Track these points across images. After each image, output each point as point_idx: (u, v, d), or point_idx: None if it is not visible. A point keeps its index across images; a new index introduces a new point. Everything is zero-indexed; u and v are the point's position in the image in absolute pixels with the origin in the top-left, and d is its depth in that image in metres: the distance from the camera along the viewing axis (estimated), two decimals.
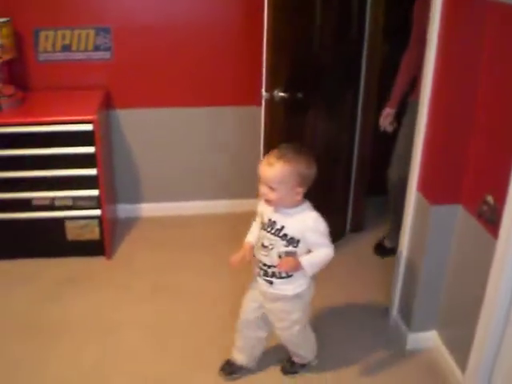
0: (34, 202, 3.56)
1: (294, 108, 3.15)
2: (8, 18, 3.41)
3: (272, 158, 2.31)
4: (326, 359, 2.87)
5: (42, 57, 3.73)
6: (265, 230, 2.44)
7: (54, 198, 3.56)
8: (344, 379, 2.78)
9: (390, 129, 3.40)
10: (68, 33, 3.68)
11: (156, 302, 3.33)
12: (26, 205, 3.55)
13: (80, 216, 3.61)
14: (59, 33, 3.67)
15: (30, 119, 3.38)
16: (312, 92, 3.22)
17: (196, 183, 4.25)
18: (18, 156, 3.41)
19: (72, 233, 3.65)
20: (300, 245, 2.39)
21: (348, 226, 4.04)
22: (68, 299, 3.34)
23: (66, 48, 3.72)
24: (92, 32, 3.70)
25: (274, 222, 2.41)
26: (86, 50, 3.75)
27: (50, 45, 3.70)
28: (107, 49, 3.75)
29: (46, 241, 3.67)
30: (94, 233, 3.66)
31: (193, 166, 4.18)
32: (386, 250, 3.78)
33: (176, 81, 3.90)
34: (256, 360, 2.79)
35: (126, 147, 4.05)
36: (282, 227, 2.39)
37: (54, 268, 3.61)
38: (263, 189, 2.33)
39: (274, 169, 2.28)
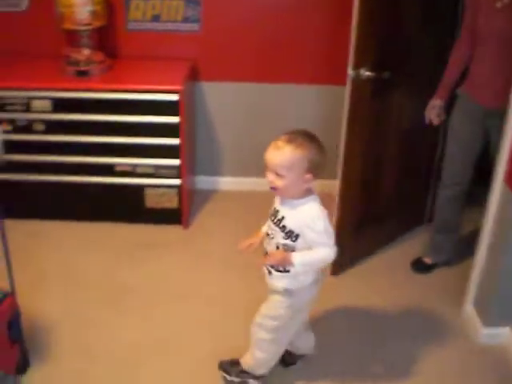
0: (117, 168, 3.64)
1: (379, 88, 3.07)
2: None
3: (281, 141, 2.15)
4: (397, 350, 2.85)
5: (132, 25, 3.79)
6: (270, 217, 2.33)
7: (135, 165, 3.63)
8: (414, 371, 2.74)
9: (436, 121, 3.15)
10: (158, 3, 3.71)
11: (226, 276, 3.37)
12: (108, 170, 3.64)
13: (160, 184, 3.67)
14: (150, 2, 3.71)
15: (117, 86, 3.46)
16: (400, 72, 3.13)
17: None
18: (104, 122, 3.50)
19: (151, 200, 3.72)
20: (299, 240, 2.22)
21: (426, 216, 3.91)
22: (142, 264, 3.43)
23: (156, 18, 3.76)
24: (182, 3, 3.72)
25: (278, 210, 2.29)
26: (174, 21, 3.77)
27: (140, 14, 3.75)
28: (196, 21, 3.76)
29: (126, 206, 3.77)
30: (172, 202, 3.71)
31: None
32: (425, 266, 3.44)
33: (261, 56, 3.87)
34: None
35: (209, 120, 4.07)
36: (282, 218, 2.26)
37: (131, 233, 3.71)
38: (269, 175, 2.18)
39: (283, 153, 2.12)
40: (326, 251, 2.22)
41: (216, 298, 3.19)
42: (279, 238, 2.27)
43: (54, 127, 3.54)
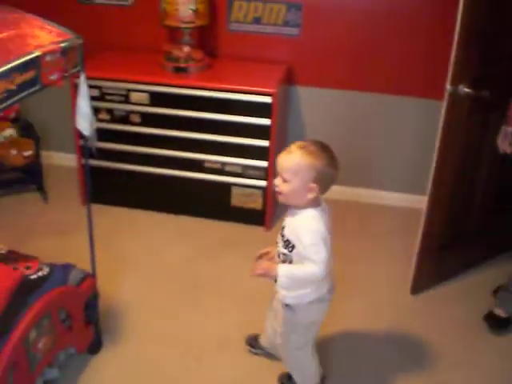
0: (206, 165, 3.70)
1: (478, 107, 2.95)
2: None
3: (294, 146, 2.13)
4: None
5: (233, 26, 3.84)
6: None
7: (224, 163, 3.68)
8: None
9: (510, 150, 2.88)
10: (260, 5, 3.75)
11: None
12: (198, 166, 3.71)
13: (247, 184, 3.70)
14: (252, 4, 3.75)
15: (212, 84, 3.51)
16: (500, 92, 3.00)
17: (368, 170, 4.16)
18: (197, 118, 3.57)
19: (237, 199, 3.76)
20: (294, 251, 2.16)
21: None
22: (222, 261, 3.47)
23: (257, 20, 3.79)
24: (284, 7, 3.73)
25: (284, 218, 2.26)
26: (275, 25, 3.79)
27: (242, 15, 3.80)
28: (296, 25, 3.77)
29: (211, 203, 3.82)
30: (257, 202, 3.74)
31: (365, 153, 4.10)
32: (499, 320, 3.04)
33: (358, 64, 3.83)
34: (275, 349, 2.62)
35: (300, 124, 4.06)
36: (284, 226, 2.24)
37: (215, 229, 3.77)
38: (277, 179, 2.15)
39: (292, 157, 2.10)
40: (312, 268, 2.10)
41: None
42: (280, 246, 2.24)
43: (149, 120, 3.65)
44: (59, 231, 3.68)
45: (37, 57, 1.95)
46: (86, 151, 2.52)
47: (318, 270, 2.09)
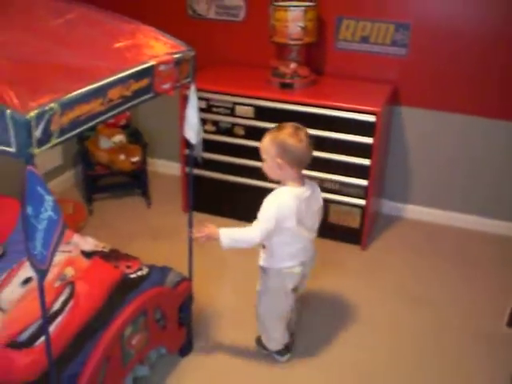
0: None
1: None
2: (314, 3, 3.59)
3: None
4: None
5: (340, 44, 3.87)
6: None
7: (323, 180, 3.69)
8: None
9: None
10: (368, 25, 3.75)
11: (394, 305, 3.30)
12: None
13: (345, 202, 3.70)
14: (360, 23, 3.77)
15: (317, 101, 3.54)
16: None
17: (466, 195, 4.05)
18: None
19: (334, 216, 3.76)
20: None
21: None
22: (316, 277, 3.46)
23: (365, 39, 3.80)
24: (392, 27, 3.72)
25: None
26: (382, 44, 3.78)
27: (349, 34, 3.82)
28: (403, 45, 3.75)
29: None
30: (354, 221, 3.72)
31: (464, 177, 3.99)
32: None
33: (466, 87, 3.74)
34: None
35: (403, 144, 4.02)
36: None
37: None
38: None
39: (264, 138, 2.46)
40: (253, 231, 2.42)
41: (382, 324, 3.15)
42: None
43: (253, 133, 3.72)
44: (159, 235, 3.82)
45: (151, 66, 2.05)
46: (190, 160, 2.62)
47: (254, 235, 2.43)
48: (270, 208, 2.43)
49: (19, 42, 2.08)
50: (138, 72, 1.98)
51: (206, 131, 3.80)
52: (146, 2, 4.20)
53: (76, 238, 2.95)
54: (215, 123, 3.79)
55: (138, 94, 2.01)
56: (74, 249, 2.83)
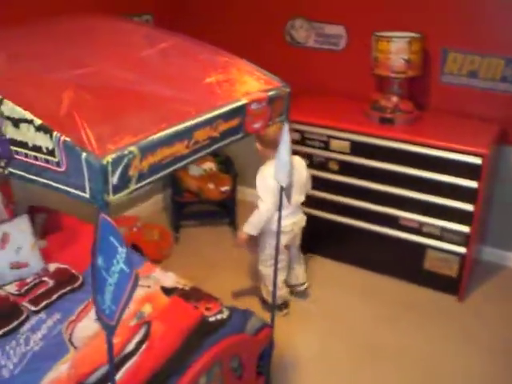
0: (402, 222, 3.49)
1: None
2: (420, 34, 3.36)
3: None
4: None
5: (446, 78, 3.61)
6: None
7: (421, 223, 3.44)
8: None
9: None
10: (477, 59, 3.48)
11: (488, 365, 3.00)
12: (393, 222, 3.51)
13: (443, 248, 3.43)
14: (468, 57, 3.50)
15: (418, 139, 3.31)
16: None
17: None
18: (397, 172, 3.40)
19: (430, 263, 3.50)
20: None
21: None
22: (406, 328, 3.24)
23: (472, 74, 3.53)
24: (502, 62, 3.43)
25: None
26: (491, 80, 3.50)
27: (456, 67, 3.56)
28: None
29: (402, 262, 3.59)
30: (452, 269, 3.44)
31: None
32: None
33: None
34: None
35: (510, 187, 3.68)
36: None
37: (402, 291, 3.54)
38: None
39: None
40: (262, 208, 2.95)
41: (475, 380, 2.89)
42: None
43: (347, 169, 3.53)
44: (243, 268, 3.68)
45: (243, 105, 1.91)
46: (281, 200, 2.44)
47: (265, 210, 2.96)
48: (263, 183, 2.93)
49: (107, 71, 1.99)
50: (227, 111, 1.84)
51: None
52: (244, 29, 4.11)
53: (157, 272, 2.86)
54: (309, 156, 3.62)
55: (226, 134, 1.88)
56: (153, 284, 2.73)
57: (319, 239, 3.80)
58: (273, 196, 2.80)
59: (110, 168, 1.45)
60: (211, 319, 2.51)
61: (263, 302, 3.30)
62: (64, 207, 3.13)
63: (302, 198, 3.14)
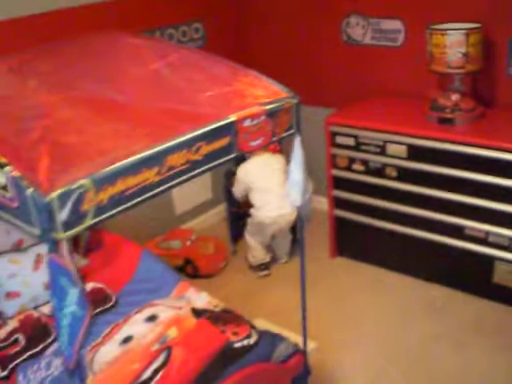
0: (467, 232, 3.18)
1: None
2: (479, 25, 3.04)
3: None
4: None
5: None
6: None
7: (489, 233, 3.11)
8: None
9: None
10: None
11: None
12: (457, 232, 3.21)
13: None
14: None
15: (481, 140, 2.99)
16: None
17: None
18: (460, 177, 3.10)
19: (500, 276, 3.16)
20: None
21: None
22: (472, 351, 2.92)
23: None
24: None
25: None
26: None
27: None
28: None
29: (469, 275, 3.28)
30: None
31: None
32: None
33: None
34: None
35: None
36: None
37: (469, 307, 3.23)
38: None
39: None
40: (233, 191, 3.61)
41: None
42: None
43: (406, 175, 3.27)
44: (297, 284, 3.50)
45: (231, 122, 1.76)
46: (300, 223, 2.26)
47: (234, 193, 3.62)
48: (237, 176, 3.48)
49: (99, 90, 1.92)
50: (209, 132, 1.70)
51: (354, 171, 3.44)
52: (299, 28, 3.92)
53: (191, 292, 2.75)
54: (364, 162, 3.39)
55: (212, 156, 1.74)
56: (185, 305, 2.62)
57: (378, 249, 3.58)
58: (243, 190, 3.49)
59: (56, 204, 1.36)
60: (237, 345, 2.36)
61: (250, 266, 3.69)
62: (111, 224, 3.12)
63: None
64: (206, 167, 1.72)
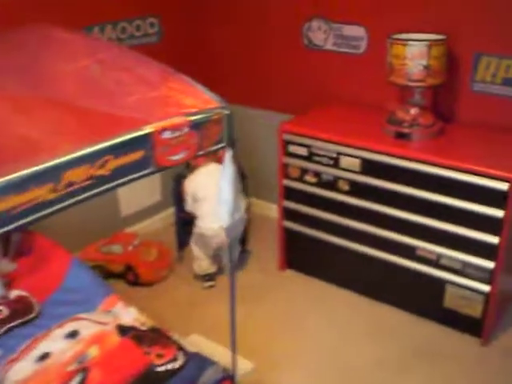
0: (418, 252, 3.05)
1: None
2: (443, 36, 2.89)
3: None
4: None
5: (478, 86, 3.11)
6: None
7: (440, 255, 2.99)
8: None
9: None
10: None
11: None
12: (408, 252, 3.08)
13: (465, 285, 2.96)
14: (503, 62, 2.99)
15: (437, 159, 2.85)
16: None
17: None
18: (413, 196, 2.96)
19: (450, 300, 3.04)
20: None
21: None
22: (419, 377, 2.80)
23: (508, 81, 3.02)
24: None
25: None
26: None
27: (489, 74, 3.05)
28: None
29: (418, 297, 3.16)
30: (474, 309, 2.97)
31: None
32: None
33: None
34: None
35: None
36: None
37: (418, 330, 3.11)
38: None
39: None
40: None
41: None
42: None
43: (358, 189, 3.13)
44: (245, 297, 3.33)
45: (146, 134, 1.58)
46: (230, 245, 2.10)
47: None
48: (185, 187, 3.41)
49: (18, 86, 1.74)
50: (119, 145, 1.52)
51: (306, 182, 3.29)
52: (260, 28, 3.76)
53: (119, 306, 2.60)
54: (317, 174, 3.24)
55: (122, 171, 1.56)
56: (111, 321, 2.46)
57: (327, 264, 3.44)
58: (192, 202, 3.39)
59: None
60: (160, 369, 2.21)
61: (195, 275, 3.55)
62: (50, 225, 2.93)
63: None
64: (115, 183, 1.55)
